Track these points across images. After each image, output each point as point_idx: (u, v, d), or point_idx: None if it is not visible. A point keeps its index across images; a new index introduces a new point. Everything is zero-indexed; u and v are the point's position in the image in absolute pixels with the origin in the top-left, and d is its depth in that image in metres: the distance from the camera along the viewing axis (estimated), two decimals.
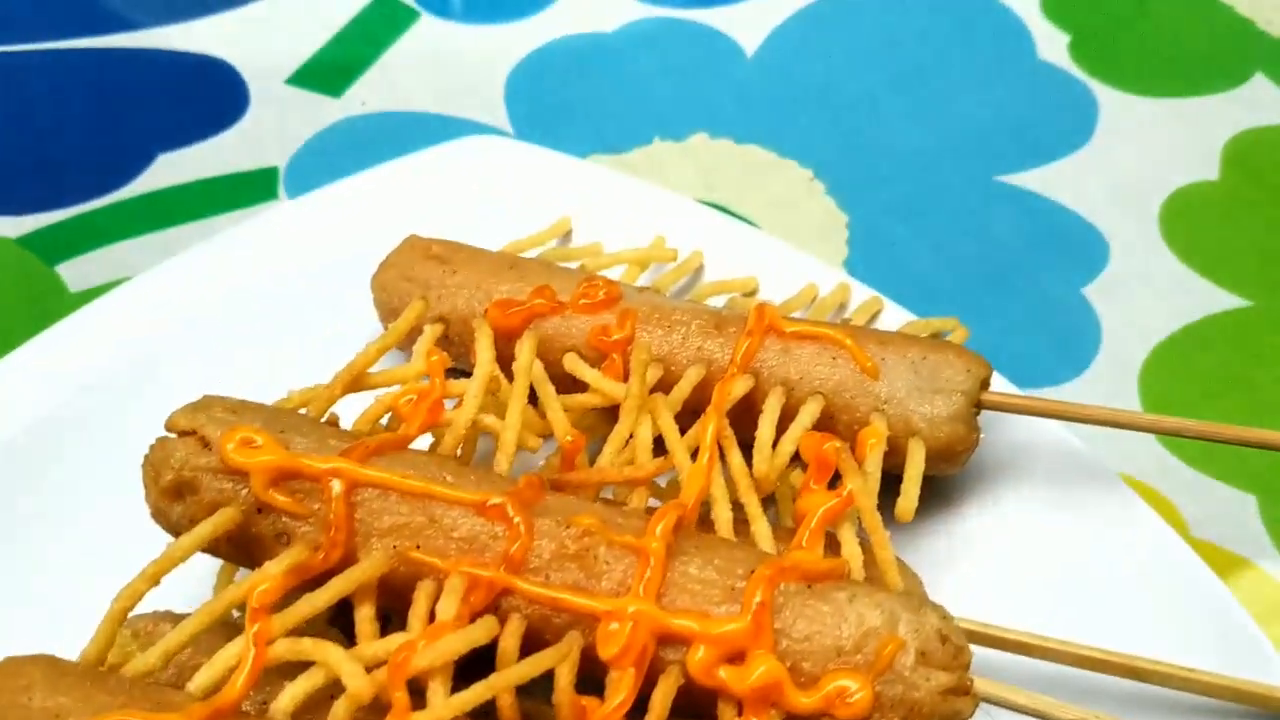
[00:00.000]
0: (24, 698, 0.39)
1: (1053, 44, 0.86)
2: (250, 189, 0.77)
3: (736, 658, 0.42)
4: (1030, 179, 0.77)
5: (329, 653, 0.40)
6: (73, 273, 0.72)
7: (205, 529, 0.43)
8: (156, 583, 0.43)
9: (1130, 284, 0.71)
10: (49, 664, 0.41)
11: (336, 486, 0.44)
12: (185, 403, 0.48)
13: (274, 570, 0.42)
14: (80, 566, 0.52)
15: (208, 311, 0.64)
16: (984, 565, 0.54)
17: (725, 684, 0.42)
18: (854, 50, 0.87)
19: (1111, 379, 0.67)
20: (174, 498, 0.45)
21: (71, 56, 0.85)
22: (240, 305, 0.65)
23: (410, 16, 0.90)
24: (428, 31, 0.88)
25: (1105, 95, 0.83)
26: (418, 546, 0.43)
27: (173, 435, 0.46)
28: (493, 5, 0.91)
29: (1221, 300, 0.70)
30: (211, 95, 0.83)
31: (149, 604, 0.44)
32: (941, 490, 0.55)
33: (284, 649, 0.41)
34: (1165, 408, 0.65)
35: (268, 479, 0.44)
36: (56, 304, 0.70)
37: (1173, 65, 0.85)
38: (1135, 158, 0.79)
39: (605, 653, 0.42)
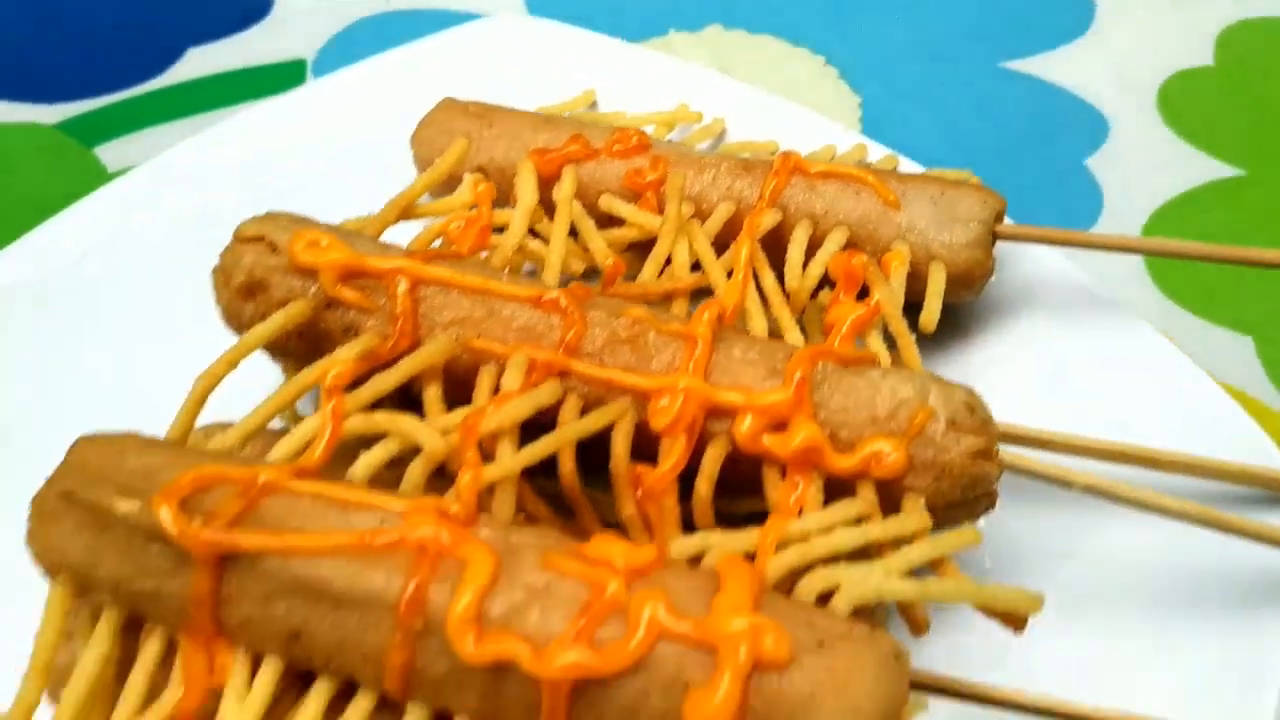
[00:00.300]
0: (118, 459, 0.42)
1: None
2: (280, 79, 0.80)
3: (779, 426, 0.45)
4: (1033, 65, 0.81)
5: (402, 422, 0.43)
6: (110, 155, 0.75)
7: (279, 319, 0.46)
8: (234, 367, 0.45)
9: (1130, 156, 0.75)
10: (139, 438, 0.44)
11: (402, 283, 0.47)
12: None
13: (346, 355, 0.45)
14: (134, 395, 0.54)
15: (245, 177, 0.67)
16: (1000, 386, 0.56)
17: (769, 450, 0.45)
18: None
19: (1118, 258, 0.70)
20: (246, 297, 0.48)
21: None
22: (278, 173, 0.67)
23: None
24: None
25: None
26: (479, 336, 0.46)
27: (242, 242, 0.49)
28: None
29: (1216, 170, 0.74)
30: None
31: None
32: (959, 320, 0.59)
33: (359, 422, 0.44)
34: (1164, 267, 0.69)
35: (336, 275, 0.47)
36: (96, 181, 0.73)
37: None
38: (1134, 45, 0.83)
39: (658, 424, 0.45)
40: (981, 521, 0.47)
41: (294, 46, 0.82)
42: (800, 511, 0.44)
